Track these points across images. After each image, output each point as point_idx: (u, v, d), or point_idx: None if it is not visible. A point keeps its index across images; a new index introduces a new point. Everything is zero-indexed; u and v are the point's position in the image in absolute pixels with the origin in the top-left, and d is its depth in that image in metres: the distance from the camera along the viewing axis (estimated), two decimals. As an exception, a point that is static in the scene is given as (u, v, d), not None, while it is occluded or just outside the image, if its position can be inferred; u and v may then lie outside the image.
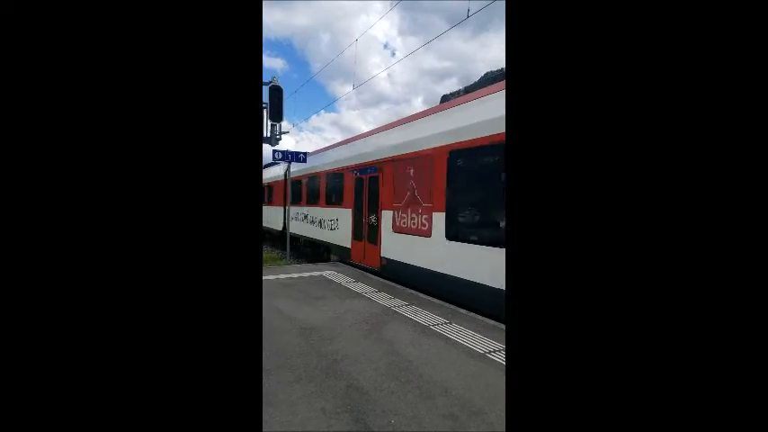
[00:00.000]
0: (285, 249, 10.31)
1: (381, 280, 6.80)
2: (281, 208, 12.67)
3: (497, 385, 2.84)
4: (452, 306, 5.12)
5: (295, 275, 7.11)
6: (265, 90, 8.92)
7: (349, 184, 8.57)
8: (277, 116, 9.05)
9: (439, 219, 5.65)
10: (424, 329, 4.12)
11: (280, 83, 8.80)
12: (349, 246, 8.48)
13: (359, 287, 6.16)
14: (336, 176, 9.36)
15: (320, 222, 10.18)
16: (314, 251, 10.80)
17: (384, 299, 5.41)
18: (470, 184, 5.12)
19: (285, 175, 10.98)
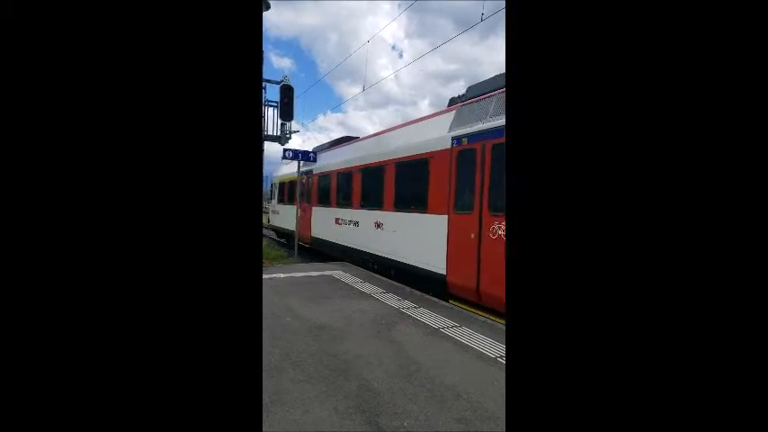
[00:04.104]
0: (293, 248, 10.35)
1: (388, 281, 6.80)
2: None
3: (509, 390, 2.83)
4: (462, 310, 5.11)
5: (304, 274, 7.14)
6: (277, 89, 8.99)
7: None
8: (287, 115, 9.10)
9: None
10: (434, 332, 4.11)
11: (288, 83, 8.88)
12: None
13: (367, 287, 6.16)
14: None
15: None
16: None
17: (392, 300, 5.41)
18: None
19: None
